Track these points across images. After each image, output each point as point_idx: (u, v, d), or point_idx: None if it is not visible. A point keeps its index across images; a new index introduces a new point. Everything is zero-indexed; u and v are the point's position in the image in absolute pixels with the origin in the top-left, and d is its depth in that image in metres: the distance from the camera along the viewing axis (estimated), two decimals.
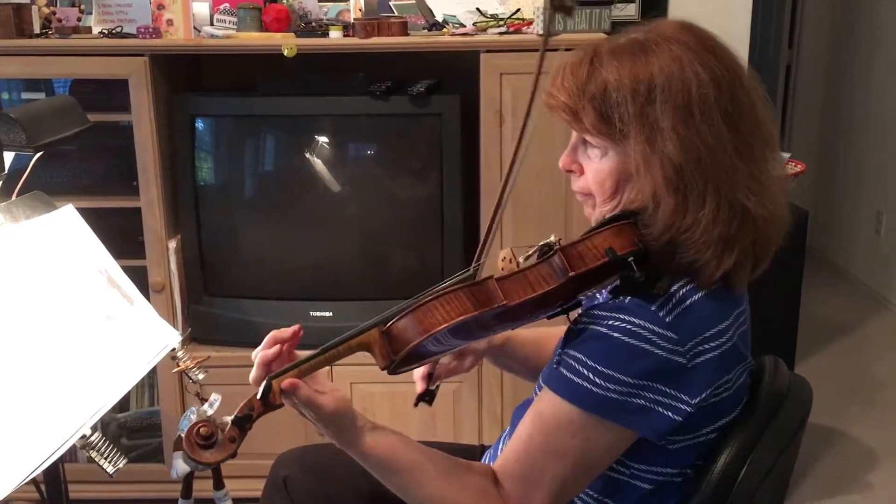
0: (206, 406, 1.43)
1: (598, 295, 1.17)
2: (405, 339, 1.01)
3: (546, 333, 1.41)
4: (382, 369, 1.05)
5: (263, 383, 1.01)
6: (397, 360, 1.02)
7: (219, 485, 2.12)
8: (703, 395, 1.03)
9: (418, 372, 1.32)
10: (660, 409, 1.02)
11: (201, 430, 0.97)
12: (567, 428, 1.05)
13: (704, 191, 1.01)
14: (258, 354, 1.09)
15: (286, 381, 1.01)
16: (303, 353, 1.08)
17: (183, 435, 0.98)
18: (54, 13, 2.30)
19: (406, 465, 1.09)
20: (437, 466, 1.10)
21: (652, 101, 1.01)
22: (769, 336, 1.53)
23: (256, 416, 1.00)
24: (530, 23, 2.19)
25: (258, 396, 1.00)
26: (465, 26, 2.29)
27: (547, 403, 1.06)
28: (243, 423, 0.99)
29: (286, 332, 1.10)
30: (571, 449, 1.05)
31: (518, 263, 1.07)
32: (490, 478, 1.10)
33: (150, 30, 2.17)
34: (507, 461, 1.10)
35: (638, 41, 1.06)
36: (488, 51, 2.14)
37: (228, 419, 1.00)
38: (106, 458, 1.21)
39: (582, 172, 1.12)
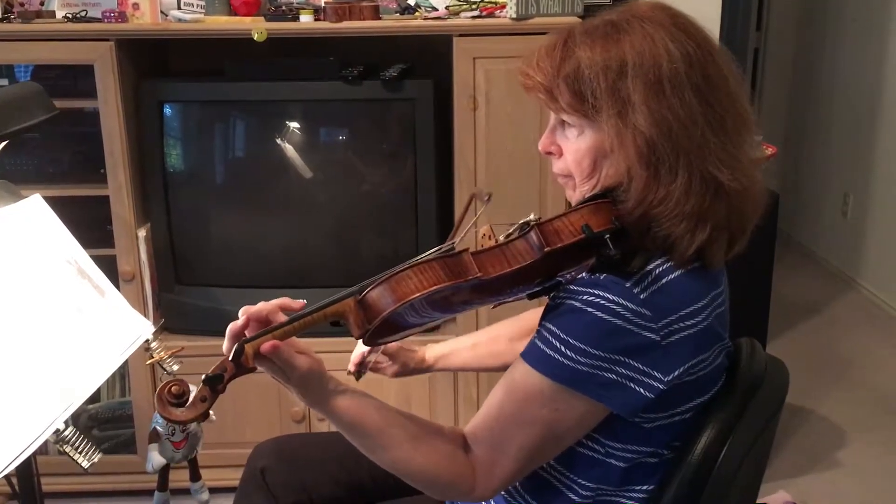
0: None
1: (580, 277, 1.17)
2: (379, 308, 1.01)
3: (491, 334, 1.51)
4: (357, 338, 1.05)
5: (235, 345, 1.00)
6: (371, 330, 1.02)
7: (195, 476, 2.10)
8: (677, 373, 1.05)
9: (356, 355, 1.41)
10: (632, 385, 1.04)
11: (173, 388, 0.98)
12: (537, 398, 1.06)
13: (676, 164, 1.02)
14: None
15: (268, 344, 1.00)
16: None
17: (154, 397, 0.99)
18: None
19: (374, 428, 1.10)
20: (405, 430, 1.11)
21: (623, 76, 1.03)
22: (741, 317, 1.54)
23: (228, 378, 1.00)
24: (503, 6, 2.18)
25: (230, 358, 1.00)
26: (437, 10, 2.27)
27: (520, 373, 1.08)
28: (215, 382, 0.99)
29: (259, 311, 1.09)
30: (540, 419, 1.07)
31: (497, 241, 1.07)
32: (459, 442, 1.12)
33: (116, 14, 2.12)
34: (478, 427, 1.12)
35: (611, 21, 1.08)
36: (461, 35, 2.13)
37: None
38: (80, 453, 1.19)
39: (561, 154, 1.13)
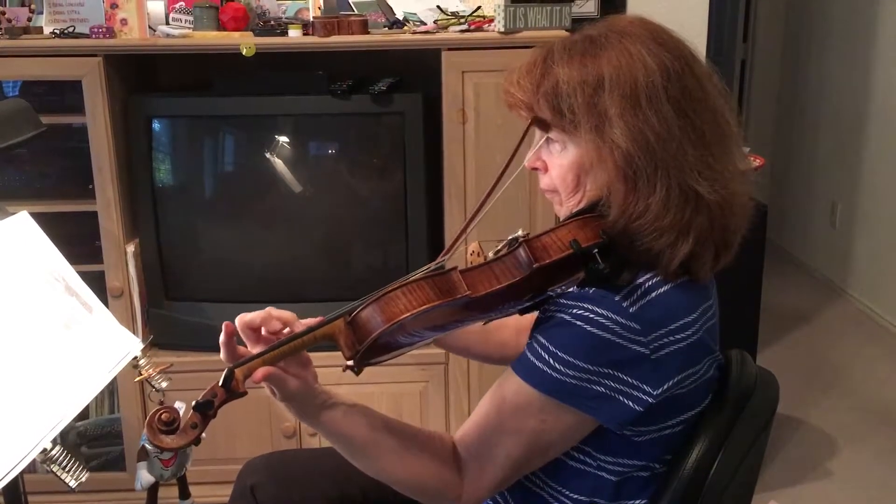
0: None
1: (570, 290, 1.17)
2: (369, 329, 1.01)
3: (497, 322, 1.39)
4: (347, 360, 1.04)
5: (224, 371, 1.00)
6: (362, 351, 1.02)
7: (184, 494, 2.08)
8: (667, 387, 1.05)
9: None
10: (621, 398, 1.04)
11: (163, 415, 0.97)
12: (525, 409, 1.07)
13: (654, 177, 1.03)
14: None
15: (259, 373, 1.00)
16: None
17: (144, 423, 0.97)
18: (3, 13, 2.23)
19: (362, 438, 1.10)
20: (394, 439, 1.11)
21: (600, 91, 1.03)
22: (732, 327, 1.55)
23: (219, 404, 0.99)
24: (491, 20, 2.18)
25: (220, 383, 0.99)
26: (425, 24, 2.28)
27: (509, 384, 1.09)
28: (205, 408, 0.98)
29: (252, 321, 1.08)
30: (527, 429, 1.08)
31: (486, 257, 1.08)
32: (448, 449, 1.13)
33: (104, 29, 2.12)
34: (466, 434, 1.13)
35: (590, 37, 1.09)
36: (450, 48, 2.13)
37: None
38: (68, 472, 1.18)
39: (546, 170, 1.14)
